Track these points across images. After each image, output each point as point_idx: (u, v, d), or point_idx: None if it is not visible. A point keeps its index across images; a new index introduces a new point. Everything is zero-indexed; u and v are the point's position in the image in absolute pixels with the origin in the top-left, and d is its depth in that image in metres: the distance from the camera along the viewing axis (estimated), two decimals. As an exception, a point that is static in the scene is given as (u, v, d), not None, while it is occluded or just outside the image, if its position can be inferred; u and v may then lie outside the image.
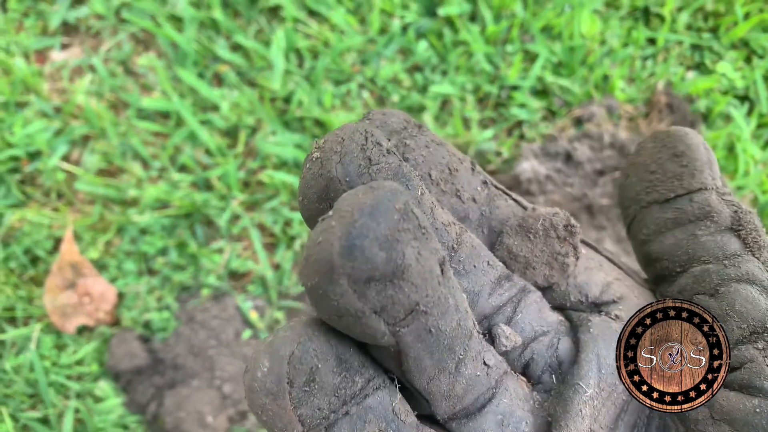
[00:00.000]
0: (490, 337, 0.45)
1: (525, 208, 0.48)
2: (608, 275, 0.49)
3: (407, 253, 0.34)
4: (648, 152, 0.50)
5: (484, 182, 0.46)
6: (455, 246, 0.43)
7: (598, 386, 0.44)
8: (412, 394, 0.41)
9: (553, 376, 0.45)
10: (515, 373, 0.45)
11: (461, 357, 0.39)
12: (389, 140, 0.43)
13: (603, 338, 0.45)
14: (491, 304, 0.45)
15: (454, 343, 0.39)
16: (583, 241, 0.49)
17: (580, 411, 0.43)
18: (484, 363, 0.41)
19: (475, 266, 0.44)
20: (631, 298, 0.48)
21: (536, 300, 0.47)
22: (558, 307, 0.48)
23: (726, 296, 0.44)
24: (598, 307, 0.47)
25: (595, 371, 0.44)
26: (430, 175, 0.45)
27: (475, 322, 0.41)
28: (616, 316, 0.46)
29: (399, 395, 0.39)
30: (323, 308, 0.36)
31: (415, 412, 0.41)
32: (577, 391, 0.43)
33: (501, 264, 0.46)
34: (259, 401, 0.38)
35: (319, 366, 0.37)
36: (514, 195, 0.48)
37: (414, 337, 0.37)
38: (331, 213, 0.35)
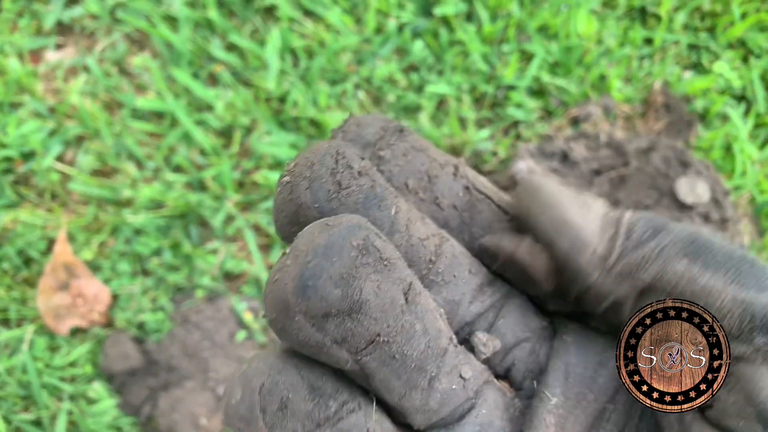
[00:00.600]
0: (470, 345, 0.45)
1: (507, 213, 0.46)
2: None
3: (365, 288, 0.36)
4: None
5: (466, 188, 0.45)
6: (433, 258, 0.43)
7: (564, 395, 0.43)
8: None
9: (534, 382, 0.45)
10: (498, 379, 0.45)
11: (434, 374, 0.40)
12: (362, 158, 0.42)
13: (577, 344, 0.45)
14: (471, 311, 0.45)
15: (423, 363, 0.39)
16: None
17: (544, 420, 0.42)
18: (461, 376, 0.41)
19: (455, 276, 0.44)
20: None
21: (520, 305, 0.46)
22: (549, 312, 0.48)
23: None
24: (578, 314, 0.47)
25: (561, 379, 0.43)
26: (407, 185, 0.44)
27: (452, 337, 0.41)
28: (595, 327, 0.46)
29: (374, 417, 0.40)
30: (285, 339, 0.38)
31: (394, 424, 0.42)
32: (542, 399, 0.43)
33: (485, 269, 0.46)
34: (235, 425, 0.39)
35: (290, 396, 0.39)
36: (497, 200, 0.46)
37: (378, 363, 0.38)
38: (288, 251, 0.37)
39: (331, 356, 0.38)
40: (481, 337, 0.44)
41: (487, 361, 0.45)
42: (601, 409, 0.44)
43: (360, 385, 0.41)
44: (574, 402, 0.43)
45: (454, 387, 0.41)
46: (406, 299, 0.38)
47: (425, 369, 0.39)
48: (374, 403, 0.40)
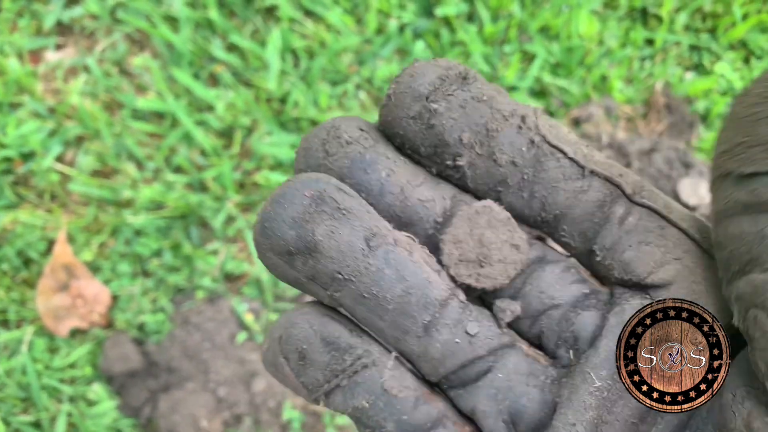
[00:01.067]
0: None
1: (583, 167, 0.44)
2: (667, 252, 0.44)
3: (317, 230, 0.42)
4: (749, 101, 0.38)
5: (532, 141, 0.44)
6: (440, 219, 0.45)
7: (612, 378, 0.42)
8: None
9: (570, 351, 0.45)
10: (528, 346, 0.46)
11: (428, 322, 0.43)
12: (361, 129, 0.45)
13: None
14: None
15: (407, 308, 0.43)
16: (649, 207, 0.44)
17: (584, 401, 0.42)
18: (466, 332, 0.44)
19: None
20: (686, 283, 0.43)
21: (556, 270, 0.46)
22: (608, 280, 0.46)
23: None
24: (644, 288, 0.44)
25: (612, 362, 0.43)
26: (461, 139, 0.44)
27: (459, 294, 0.44)
28: None
29: (389, 373, 0.44)
30: (274, 275, 0.45)
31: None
32: (585, 380, 0.43)
33: (521, 232, 0.45)
34: (268, 369, 0.46)
35: (305, 348, 0.44)
36: (572, 153, 0.44)
37: (350, 300, 0.43)
38: None
39: (312, 292, 0.44)
40: (499, 304, 0.45)
41: (515, 328, 0.46)
42: None
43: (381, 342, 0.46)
44: None
45: (457, 341, 0.44)
46: (368, 245, 0.42)
47: (411, 314, 0.43)
48: (392, 359, 0.45)
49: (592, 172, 0.44)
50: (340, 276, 0.42)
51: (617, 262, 0.44)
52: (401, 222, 0.45)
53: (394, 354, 0.45)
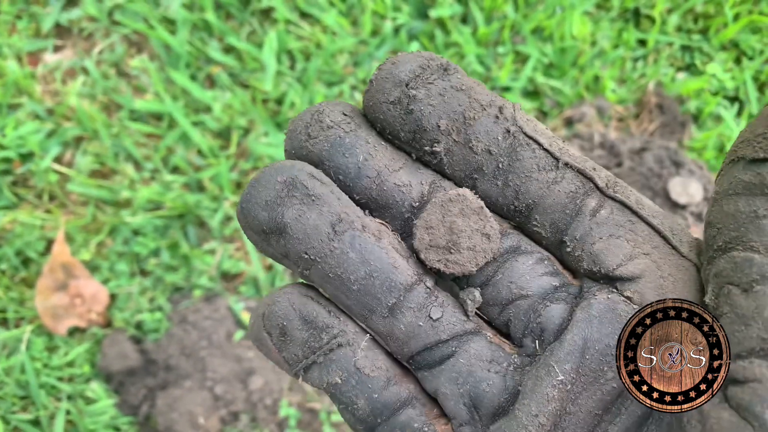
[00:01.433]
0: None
1: (557, 159, 0.45)
2: (636, 247, 0.45)
3: (287, 213, 0.44)
4: None
5: (508, 131, 0.45)
6: (416, 204, 0.47)
7: (576, 371, 0.43)
8: None
9: (536, 342, 0.46)
10: (494, 334, 0.47)
11: (391, 303, 0.45)
12: (345, 114, 0.48)
13: (601, 320, 0.44)
14: None
15: (371, 290, 0.45)
16: (621, 202, 0.45)
17: (547, 394, 0.43)
18: (429, 316, 0.46)
19: None
20: (654, 278, 0.44)
21: (529, 261, 0.47)
22: (578, 272, 0.47)
23: (760, 297, 0.38)
24: (612, 281, 0.45)
25: (577, 356, 0.43)
26: (438, 126, 0.45)
27: (426, 281, 0.46)
28: (628, 298, 0.44)
29: (363, 353, 0.46)
30: (257, 250, 0.50)
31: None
32: (549, 373, 0.44)
33: (493, 222, 0.46)
34: (254, 344, 0.48)
35: (285, 324, 0.47)
36: (547, 144, 0.45)
37: (319, 278, 0.46)
38: None
39: (288, 267, 0.46)
40: (462, 293, 0.47)
41: (485, 315, 0.48)
42: (622, 389, 0.43)
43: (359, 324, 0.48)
44: (590, 379, 0.43)
45: (420, 324, 0.46)
46: (334, 230, 0.45)
47: (376, 296, 0.45)
48: (366, 340, 0.47)
49: (566, 164, 0.45)
50: (306, 256, 0.45)
51: (587, 254, 0.45)
52: (378, 205, 0.47)
53: (368, 335, 0.47)
